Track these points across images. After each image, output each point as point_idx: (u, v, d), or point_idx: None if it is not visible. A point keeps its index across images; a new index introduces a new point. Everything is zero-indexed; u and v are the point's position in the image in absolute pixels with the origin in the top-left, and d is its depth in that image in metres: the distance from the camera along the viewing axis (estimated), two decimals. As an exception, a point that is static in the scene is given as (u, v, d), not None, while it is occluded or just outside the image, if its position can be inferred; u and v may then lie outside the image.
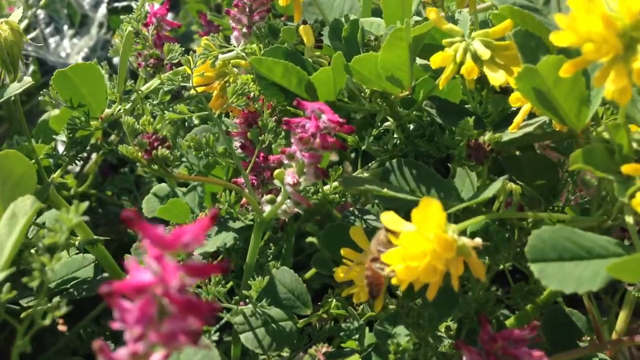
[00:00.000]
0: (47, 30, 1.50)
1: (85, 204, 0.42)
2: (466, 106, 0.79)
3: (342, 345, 0.75)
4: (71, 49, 1.45)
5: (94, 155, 1.03)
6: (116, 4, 1.34)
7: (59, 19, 1.51)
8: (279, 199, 0.63)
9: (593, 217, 0.64)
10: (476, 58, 0.58)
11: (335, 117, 0.57)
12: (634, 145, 0.55)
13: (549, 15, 0.65)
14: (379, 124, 0.76)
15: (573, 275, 0.50)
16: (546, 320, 0.75)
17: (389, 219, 0.53)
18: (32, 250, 0.42)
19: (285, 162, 0.60)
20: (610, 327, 0.82)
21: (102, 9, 1.41)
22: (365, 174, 0.78)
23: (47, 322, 0.40)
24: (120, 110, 0.74)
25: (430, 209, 0.51)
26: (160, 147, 0.58)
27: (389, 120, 0.76)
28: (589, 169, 0.52)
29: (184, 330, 0.33)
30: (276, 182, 0.62)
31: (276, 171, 0.62)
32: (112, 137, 1.04)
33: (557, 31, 0.45)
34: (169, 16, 1.37)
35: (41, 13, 1.48)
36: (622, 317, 0.81)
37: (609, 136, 0.55)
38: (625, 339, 0.66)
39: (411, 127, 0.75)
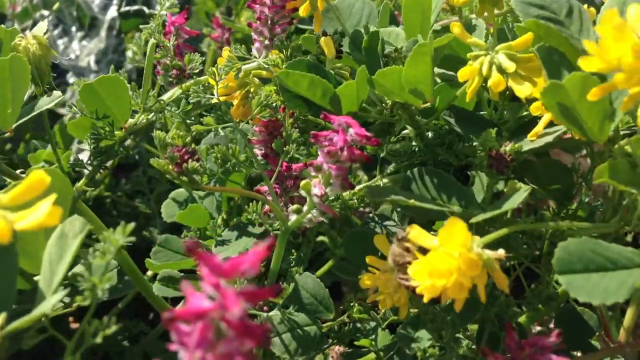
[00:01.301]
0: (55, 32, 1.51)
1: (132, 225, 0.43)
2: (482, 113, 0.81)
3: (356, 343, 0.76)
4: (80, 51, 1.46)
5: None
6: (127, 8, 1.34)
7: (67, 21, 1.51)
8: (305, 208, 0.64)
9: (611, 224, 0.66)
10: (501, 70, 0.59)
11: (362, 130, 0.58)
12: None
13: (572, 26, 0.66)
14: (398, 131, 0.77)
15: (600, 286, 0.51)
16: (559, 320, 0.77)
17: (416, 233, 0.55)
18: (81, 269, 0.43)
19: (313, 173, 0.62)
20: (617, 322, 0.84)
21: (112, 11, 1.41)
22: (385, 180, 0.79)
23: (98, 340, 0.41)
24: (143, 119, 0.75)
25: (455, 228, 0.52)
26: (190, 160, 0.60)
27: (407, 128, 0.77)
28: (613, 183, 0.53)
29: (239, 351, 0.34)
30: (302, 192, 0.63)
31: (303, 182, 0.63)
32: (128, 141, 1.05)
33: (585, 57, 0.46)
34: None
35: (49, 14, 1.49)
36: (630, 314, 0.82)
37: (631, 150, 0.57)
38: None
39: (429, 134, 0.76)
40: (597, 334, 0.78)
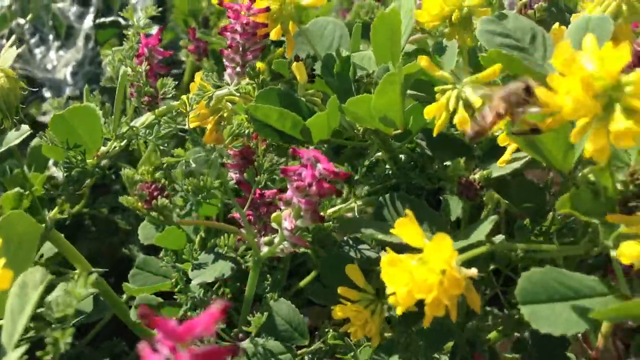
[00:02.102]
0: (32, 41, 1.50)
1: (94, 276, 0.43)
2: (455, 133, 0.81)
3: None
4: (57, 61, 1.45)
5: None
6: (103, 19, 1.33)
7: (44, 30, 1.50)
8: (277, 240, 0.65)
9: (580, 246, 0.66)
10: (468, 104, 0.59)
11: (330, 166, 0.58)
12: (619, 186, 0.57)
13: (536, 53, 0.67)
14: (372, 154, 0.77)
15: (562, 316, 0.52)
16: (533, 332, 0.78)
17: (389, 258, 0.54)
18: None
19: (282, 207, 0.62)
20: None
21: (88, 21, 1.40)
22: (359, 203, 0.79)
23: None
24: (115, 147, 0.75)
25: (442, 244, 0.52)
26: (159, 196, 0.60)
27: (380, 151, 0.77)
28: (576, 214, 0.54)
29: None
30: (273, 224, 0.64)
31: (273, 215, 0.63)
32: (105, 161, 1.04)
33: (544, 89, 0.47)
34: (155, 29, 1.38)
35: (25, 23, 1.47)
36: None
37: (594, 178, 0.58)
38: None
39: (403, 157, 0.77)
40: (573, 344, 0.79)
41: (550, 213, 0.79)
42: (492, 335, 0.76)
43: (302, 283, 0.94)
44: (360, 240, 0.78)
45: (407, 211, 0.52)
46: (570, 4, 0.84)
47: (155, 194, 0.59)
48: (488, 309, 0.89)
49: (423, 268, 0.51)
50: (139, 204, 0.59)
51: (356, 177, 0.78)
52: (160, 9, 1.33)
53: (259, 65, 0.86)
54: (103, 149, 0.75)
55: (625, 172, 0.56)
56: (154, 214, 0.60)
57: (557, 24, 0.81)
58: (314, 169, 0.59)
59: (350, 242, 0.77)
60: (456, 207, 0.73)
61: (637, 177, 0.56)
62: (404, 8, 0.75)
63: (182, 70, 1.39)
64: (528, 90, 0.51)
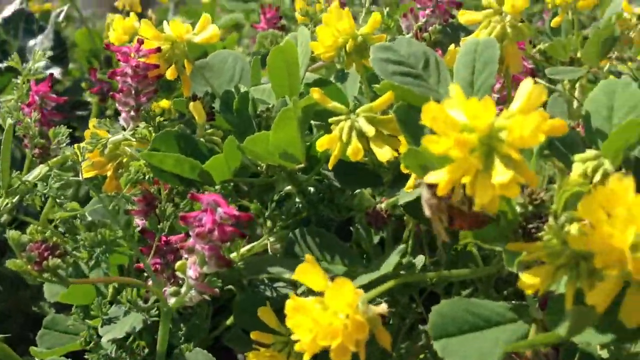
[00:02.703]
0: None
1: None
2: (364, 159, 0.81)
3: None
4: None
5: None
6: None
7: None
8: (183, 289, 0.62)
9: (492, 266, 0.67)
10: (362, 135, 0.59)
11: (230, 210, 0.57)
12: (518, 208, 0.57)
13: (430, 78, 0.67)
14: (280, 189, 0.76)
15: (474, 347, 0.51)
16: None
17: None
18: None
19: (185, 256, 0.59)
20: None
21: (-16, 66, 1.34)
22: (272, 239, 0.78)
23: None
24: (7, 204, 0.70)
25: (343, 288, 0.51)
26: (50, 256, 0.56)
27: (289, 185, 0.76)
28: (478, 242, 0.54)
29: None
30: (178, 273, 0.61)
31: (178, 264, 0.61)
32: (4, 217, 0.99)
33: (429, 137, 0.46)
34: (57, 71, 1.32)
35: None
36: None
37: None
38: None
39: (312, 190, 0.76)
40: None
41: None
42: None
43: (229, 321, 0.91)
44: (276, 278, 0.76)
45: (308, 256, 0.50)
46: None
47: (45, 254, 0.56)
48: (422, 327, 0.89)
49: (326, 313, 0.50)
50: (28, 266, 0.55)
51: (266, 214, 0.76)
52: (60, 49, 1.28)
53: (166, 104, 0.84)
54: (-6, 207, 0.71)
55: (524, 194, 0.57)
56: (46, 275, 0.56)
57: (452, 46, 0.83)
58: (214, 213, 0.57)
59: (266, 280, 0.75)
60: (368, 236, 0.72)
61: (536, 198, 0.57)
62: (300, 40, 0.75)
63: (89, 112, 1.34)
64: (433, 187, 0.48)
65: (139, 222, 0.73)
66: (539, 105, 0.48)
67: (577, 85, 1.04)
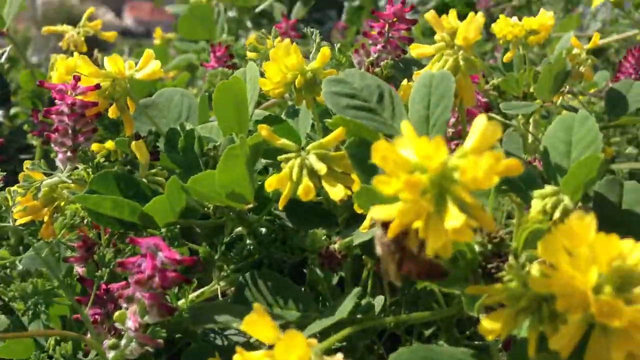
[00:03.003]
0: None
1: None
2: (319, 198, 0.78)
3: None
4: None
5: None
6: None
7: None
8: (123, 342, 0.57)
9: (453, 308, 0.64)
10: (313, 173, 0.56)
11: (172, 254, 0.53)
12: (477, 247, 0.54)
13: (384, 112, 0.65)
14: (230, 230, 0.72)
15: (434, 399, 0.48)
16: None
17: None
18: None
19: (124, 305, 0.55)
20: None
21: None
22: (222, 283, 0.74)
23: None
24: None
25: (294, 342, 0.47)
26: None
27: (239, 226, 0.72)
28: (434, 286, 0.51)
29: None
30: (117, 325, 0.56)
31: (116, 314, 0.56)
32: None
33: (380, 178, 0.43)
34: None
35: None
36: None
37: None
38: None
39: (263, 231, 0.72)
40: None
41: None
42: None
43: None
44: (227, 326, 0.71)
45: (256, 305, 0.46)
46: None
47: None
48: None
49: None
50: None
51: (216, 257, 0.72)
52: (2, 90, 1.23)
53: (110, 145, 0.80)
54: None
55: (482, 233, 0.54)
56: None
57: (405, 81, 0.81)
58: (155, 258, 0.53)
59: (216, 328, 0.71)
60: (326, 278, 0.69)
61: (495, 236, 0.54)
62: (249, 75, 0.72)
63: (33, 156, 1.29)
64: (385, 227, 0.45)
65: (79, 270, 0.69)
66: (493, 142, 0.46)
67: (530, 119, 1.04)
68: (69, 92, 0.64)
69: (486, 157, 0.42)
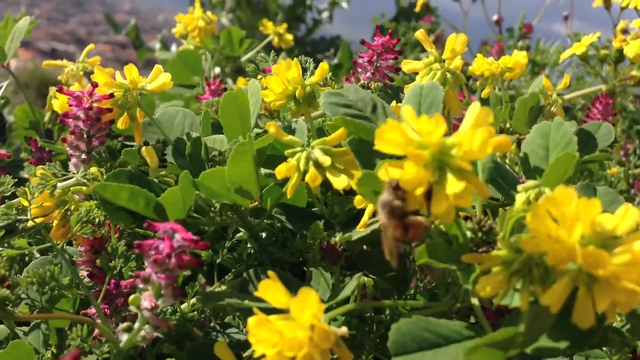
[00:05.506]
0: None
1: None
2: (314, 209, 0.82)
3: None
4: None
5: None
6: None
7: None
8: (137, 325, 0.60)
9: (443, 302, 0.68)
10: (318, 165, 0.61)
11: (188, 235, 0.56)
12: (469, 234, 0.59)
13: (378, 121, 0.71)
14: (232, 235, 0.76)
15: (433, 364, 0.52)
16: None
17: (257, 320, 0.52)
18: None
19: (141, 286, 0.58)
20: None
21: None
22: (223, 287, 0.77)
23: None
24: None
25: (307, 299, 0.51)
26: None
27: (241, 231, 0.76)
28: (434, 262, 0.55)
29: None
30: (132, 308, 0.59)
31: (131, 297, 0.59)
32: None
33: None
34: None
35: None
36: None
37: (444, 228, 0.60)
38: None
39: (264, 235, 0.76)
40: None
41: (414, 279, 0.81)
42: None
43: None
44: (228, 324, 0.74)
45: (270, 272, 0.50)
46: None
47: (-7, 285, 0.53)
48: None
49: (291, 325, 0.50)
50: (-26, 298, 0.52)
51: (218, 261, 0.75)
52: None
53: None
54: None
55: (473, 221, 0.60)
56: (-8, 309, 0.53)
57: (394, 102, 0.88)
58: (172, 240, 0.56)
59: (218, 327, 0.74)
60: (322, 277, 0.73)
61: (484, 225, 0.60)
62: (251, 90, 0.78)
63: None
64: (397, 190, 0.50)
65: (84, 273, 0.71)
66: (486, 125, 0.52)
67: (507, 154, 1.10)
68: (85, 98, 0.69)
69: (481, 130, 0.48)
